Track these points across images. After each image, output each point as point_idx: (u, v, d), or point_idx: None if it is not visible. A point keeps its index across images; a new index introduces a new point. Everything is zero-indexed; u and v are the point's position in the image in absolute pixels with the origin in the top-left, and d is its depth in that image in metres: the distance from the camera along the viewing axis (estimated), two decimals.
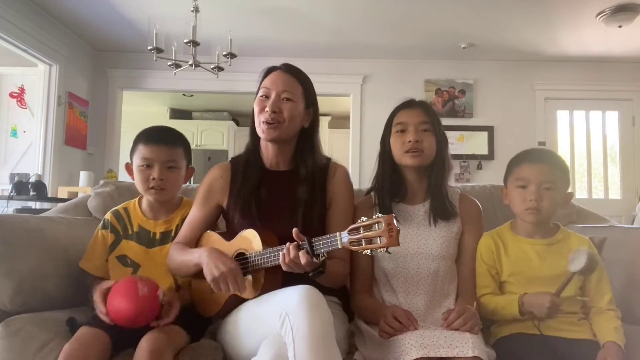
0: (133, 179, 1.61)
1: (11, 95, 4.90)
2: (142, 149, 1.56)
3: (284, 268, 1.23)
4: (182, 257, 1.45)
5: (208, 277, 1.32)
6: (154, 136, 1.58)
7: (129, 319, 1.31)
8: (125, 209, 1.64)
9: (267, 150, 1.53)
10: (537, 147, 1.67)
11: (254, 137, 1.54)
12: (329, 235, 1.19)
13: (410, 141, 1.46)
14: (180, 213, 1.63)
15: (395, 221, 1.11)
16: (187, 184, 1.79)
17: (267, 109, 1.45)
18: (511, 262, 1.45)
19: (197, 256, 1.39)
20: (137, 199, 1.66)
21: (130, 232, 1.59)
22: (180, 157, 1.60)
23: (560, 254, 1.40)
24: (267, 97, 1.48)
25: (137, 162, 1.57)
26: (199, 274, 1.47)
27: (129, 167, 1.63)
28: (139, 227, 1.60)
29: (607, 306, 1.38)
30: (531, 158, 1.46)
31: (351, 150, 5.39)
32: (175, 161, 1.58)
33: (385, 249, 1.11)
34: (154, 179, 1.53)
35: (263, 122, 1.46)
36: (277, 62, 1.57)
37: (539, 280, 1.39)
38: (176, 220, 1.61)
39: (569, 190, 1.48)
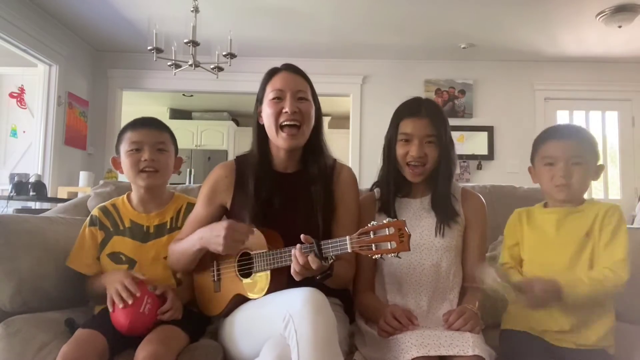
0: (122, 172, 1.59)
1: (11, 95, 4.89)
2: (129, 135, 1.55)
3: (296, 277, 1.22)
4: (181, 246, 1.45)
5: (220, 250, 1.31)
6: (140, 121, 1.59)
7: (122, 331, 1.32)
8: (114, 205, 1.61)
9: (279, 155, 1.50)
10: (561, 124, 1.62)
11: (261, 141, 1.51)
12: (338, 239, 1.19)
13: (413, 155, 1.45)
14: (173, 206, 1.61)
15: (406, 227, 1.12)
16: (187, 184, 1.79)
17: (285, 109, 1.42)
18: (531, 232, 1.42)
19: (197, 239, 1.38)
20: (125, 195, 1.64)
21: (121, 227, 1.57)
22: (168, 140, 1.59)
23: (578, 222, 1.36)
24: (280, 98, 1.44)
25: (125, 148, 1.55)
26: (199, 270, 1.47)
27: (115, 161, 1.60)
28: (131, 222, 1.57)
29: (613, 265, 1.28)
30: (557, 135, 1.42)
31: (351, 151, 5.39)
32: (164, 143, 1.57)
33: (395, 254, 1.12)
34: (145, 160, 1.52)
35: (284, 127, 1.43)
36: (277, 62, 1.56)
37: (551, 249, 1.36)
38: (170, 213, 1.60)
39: (600, 162, 1.42)
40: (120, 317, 1.32)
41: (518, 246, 1.44)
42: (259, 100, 1.52)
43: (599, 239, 1.34)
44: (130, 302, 1.33)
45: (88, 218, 1.61)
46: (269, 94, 1.46)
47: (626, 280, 1.27)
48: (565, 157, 1.37)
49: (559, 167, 1.37)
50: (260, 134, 1.51)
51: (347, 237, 1.17)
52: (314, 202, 1.45)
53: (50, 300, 1.53)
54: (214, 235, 1.32)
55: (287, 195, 1.47)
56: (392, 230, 1.12)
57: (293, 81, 1.47)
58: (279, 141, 1.45)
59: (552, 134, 1.44)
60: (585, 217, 1.38)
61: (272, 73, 1.50)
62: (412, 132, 1.46)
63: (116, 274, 1.43)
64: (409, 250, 1.12)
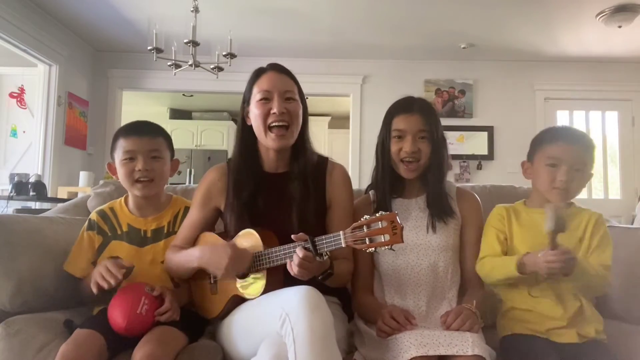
0: (117, 178, 1.59)
1: (11, 95, 4.88)
2: (123, 143, 1.53)
3: (296, 275, 1.22)
4: (179, 258, 1.45)
5: (218, 275, 1.35)
6: (133, 128, 1.57)
7: (119, 331, 1.32)
8: (112, 209, 1.61)
9: (268, 155, 1.50)
10: (567, 126, 1.66)
11: (248, 142, 1.51)
12: (332, 235, 1.20)
13: (407, 150, 1.46)
14: (170, 210, 1.60)
15: (397, 219, 1.13)
16: (187, 184, 1.78)
17: (273, 111, 1.42)
18: (522, 230, 1.43)
19: (195, 258, 1.39)
20: (122, 198, 1.63)
21: (119, 232, 1.56)
22: (162, 147, 1.57)
23: (571, 226, 1.37)
24: (267, 99, 1.44)
25: (119, 156, 1.54)
26: (196, 274, 1.47)
27: (111, 167, 1.60)
28: (129, 226, 1.56)
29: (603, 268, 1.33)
30: (566, 137, 1.44)
31: (351, 151, 5.39)
32: (159, 150, 1.55)
33: (389, 247, 1.12)
34: (139, 170, 1.50)
35: (272, 128, 1.42)
36: (277, 62, 1.54)
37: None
38: (167, 217, 1.59)
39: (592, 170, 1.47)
40: (117, 318, 1.32)
41: (506, 241, 1.44)
42: (246, 101, 1.51)
43: (589, 244, 1.38)
44: (112, 281, 1.33)
45: (86, 222, 1.60)
46: (256, 95, 1.46)
47: (610, 285, 1.34)
48: (570, 162, 1.39)
49: (563, 170, 1.39)
50: (247, 134, 1.51)
51: (341, 232, 1.18)
52: (296, 199, 1.44)
53: (50, 300, 1.52)
54: (215, 260, 1.32)
55: (279, 195, 1.47)
56: (384, 223, 1.13)
57: (280, 81, 1.46)
58: (268, 142, 1.45)
59: (560, 135, 1.46)
60: (576, 223, 1.41)
61: (258, 73, 1.49)
62: (405, 128, 1.47)
63: (101, 262, 1.42)
64: (402, 242, 1.13)
